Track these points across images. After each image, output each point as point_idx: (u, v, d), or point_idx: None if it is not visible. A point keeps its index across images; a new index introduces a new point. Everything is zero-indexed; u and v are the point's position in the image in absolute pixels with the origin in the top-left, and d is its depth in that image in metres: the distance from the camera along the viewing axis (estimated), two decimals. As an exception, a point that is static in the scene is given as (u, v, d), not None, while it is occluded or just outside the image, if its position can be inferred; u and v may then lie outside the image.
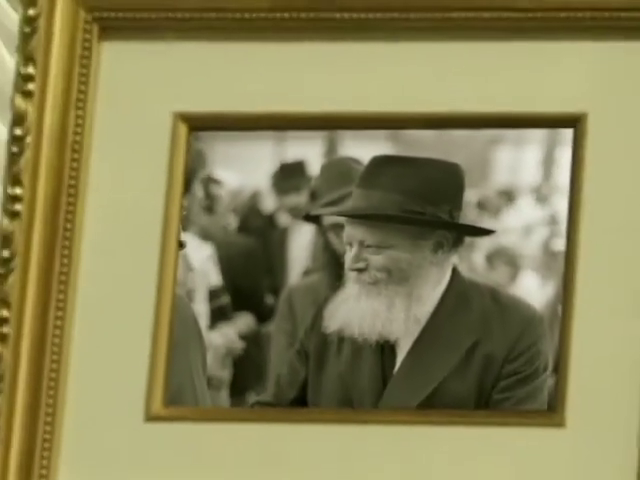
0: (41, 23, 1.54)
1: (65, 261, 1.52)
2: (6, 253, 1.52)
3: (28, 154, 1.51)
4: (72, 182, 1.53)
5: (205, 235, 1.46)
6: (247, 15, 1.54)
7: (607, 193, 1.51)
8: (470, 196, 1.46)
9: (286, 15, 1.55)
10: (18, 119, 1.52)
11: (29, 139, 1.53)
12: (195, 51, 1.54)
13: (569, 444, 1.44)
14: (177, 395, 1.50)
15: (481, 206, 1.49)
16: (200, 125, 1.51)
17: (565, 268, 1.47)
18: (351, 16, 1.56)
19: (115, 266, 1.56)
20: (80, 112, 1.53)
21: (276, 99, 1.52)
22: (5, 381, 1.52)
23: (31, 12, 1.56)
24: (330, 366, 1.51)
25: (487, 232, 1.54)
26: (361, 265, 1.48)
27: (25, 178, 1.53)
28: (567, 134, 1.46)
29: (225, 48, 1.55)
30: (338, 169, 1.50)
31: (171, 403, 1.47)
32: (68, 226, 1.53)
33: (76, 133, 1.51)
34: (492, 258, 1.51)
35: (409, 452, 1.48)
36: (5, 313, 1.50)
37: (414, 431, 1.46)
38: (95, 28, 1.51)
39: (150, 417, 1.47)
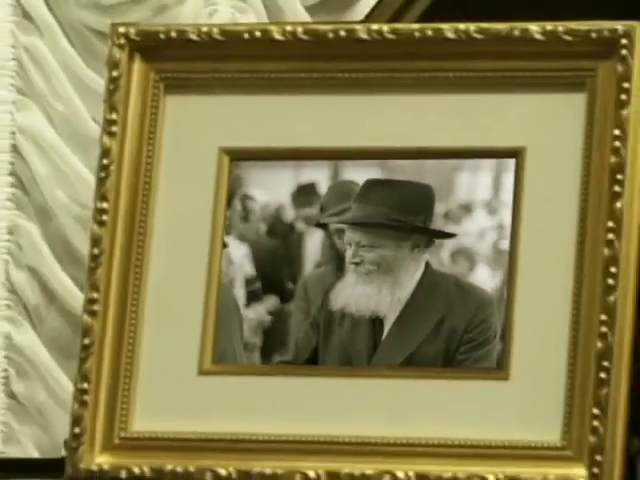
0: (122, 82, 1.66)
1: (139, 257, 1.64)
2: (96, 251, 1.64)
3: (112, 178, 1.64)
4: (144, 199, 1.65)
5: (242, 238, 1.57)
6: (273, 75, 1.63)
7: (540, 207, 1.59)
8: (438, 209, 1.55)
9: (302, 75, 1.64)
10: (105, 152, 1.64)
11: (113, 167, 1.65)
12: (234, 102, 1.64)
13: (512, 393, 1.54)
14: (222, 356, 1.61)
15: (446, 216, 1.56)
16: (239, 156, 1.61)
17: (509, 262, 1.58)
18: (350, 75, 1.62)
19: (176, 261, 1.66)
20: (150, 147, 1.65)
21: (295, 137, 1.62)
22: (94, 347, 1.63)
23: (114, 73, 1.67)
24: (335, 335, 1.58)
25: (451, 235, 1.55)
26: (357, 260, 1.58)
27: (110, 196, 1.65)
28: (510, 163, 1.57)
29: (257, 99, 1.64)
30: (340, 189, 1.58)
31: (217, 362, 1.58)
32: (141, 231, 1.65)
33: (147, 162, 1.65)
34: (455, 255, 1.57)
35: (393, 399, 1.58)
36: (95, 295, 1.62)
37: (397, 383, 1.57)
38: (161, 85, 1.62)
39: (202, 372, 1.59)
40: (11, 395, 3.08)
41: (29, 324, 3.11)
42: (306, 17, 3.24)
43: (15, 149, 3.12)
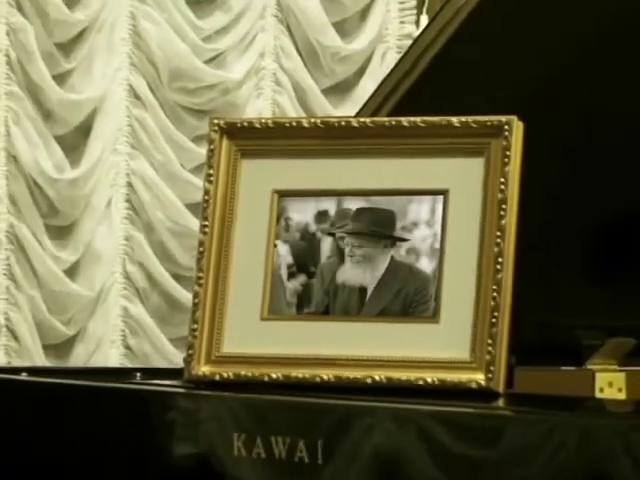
0: (215, 151, 1.82)
1: (226, 253, 1.82)
2: (201, 249, 1.79)
3: (210, 207, 1.78)
4: (229, 219, 1.82)
5: (285, 242, 1.79)
6: (302, 147, 1.82)
7: (458, 224, 1.72)
8: (398, 225, 1.74)
9: (318, 147, 1.83)
10: (206, 192, 1.77)
11: (210, 201, 1.78)
12: (282, 163, 1.82)
13: (440, 331, 1.69)
14: (274, 309, 1.77)
15: (403, 229, 1.74)
16: (283, 194, 1.78)
17: (439, 256, 1.72)
18: (347, 147, 1.83)
19: (248, 255, 1.81)
20: (232, 189, 1.85)
21: (316, 183, 1.80)
22: (200, 304, 1.77)
23: (211, 146, 1.82)
24: (339, 297, 1.75)
25: (406, 240, 1.70)
26: (352, 254, 1.76)
27: (209, 217, 1.79)
28: (440, 198, 1.74)
29: (294, 161, 1.81)
30: (342, 213, 1.78)
31: (271, 313, 1.76)
32: (227, 238, 1.84)
33: (231, 198, 1.82)
34: (408, 251, 1.73)
35: (372, 333, 1.73)
36: (201, 274, 1.79)
37: (374, 325, 1.73)
38: (239, 153, 1.81)
39: (262, 319, 1.77)
40: (127, 347, 3.33)
41: (139, 301, 3.34)
42: (322, 98, 3.46)
43: (129, 185, 3.36)
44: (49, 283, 3.07)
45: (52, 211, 3.10)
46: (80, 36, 3.12)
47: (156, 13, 3.16)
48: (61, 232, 3.14)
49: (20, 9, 2.97)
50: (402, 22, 3.33)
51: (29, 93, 3.05)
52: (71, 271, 3.14)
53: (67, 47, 3.13)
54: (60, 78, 3.12)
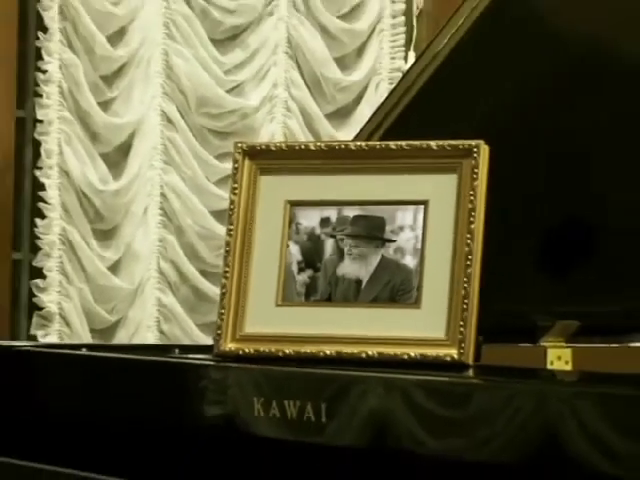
0: (239, 169, 1.82)
1: (248, 251, 1.80)
2: (227, 248, 1.78)
3: (234, 214, 1.77)
4: (250, 222, 1.81)
5: (295, 242, 1.76)
6: (310, 165, 1.81)
7: (436, 227, 1.72)
8: (387, 229, 1.73)
9: (323, 165, 1.82)
10: (231, 202, 1.78)
11: (235, 209, 1.78)
12: (293, 178, 1.81)
13: (421, 315, 1.68)
14: (286, 297, 1.76)
15: (391, 232, 1.73)
16: (294, 204, 1.77)
17: (420, 254, 1.72)
18: (346, 165, 1.81)
19: (265, 253, 1.79)
20: (252, 199, 1.85)
21: (321, 194, 1.80)
22: (227, 293, 1.77)
23: (235, 165, 1.83)
24: (339, 287, 1.74)
25: (394, 241, 1.69)
26: (350, 253, 1.75)
27: (234, 222, 1.77)
28: (422, 207, 1.74)
29: (304, 177, 1.81)
30: (342, 219, 1.77)
31: (284, 300, 1.75)
32: (248, 239, 1.83)
33: (251, 209, 1.82)
34: (395, 250, 1.73)
35: (366, 316, 1.72)
36: (227, 269, 1.77)
37: (368, 310, 1.71)
38: (258, 170, 1.81)
39: (277, 305, 1.76)
40: (161, 332, 3.26)
41: (171, 292, 3.31)
42: (325, 122, 3.43)
43: (163, 195, 3.32)
44: (95, 278, 3.10)
45: (98, 217, 3.13)
46: (121, 70, 3.14)
47: (185, 50, 3.18)
48: (105, 235, 3.16)
49: (71, 47, 3.02)
50: (393, 58, 3.32)
51: (78, 118, 3.06)
52: (114, 268, 3.15)
53: (110, 79, 3.15)
54: (104, 105, 3.13)
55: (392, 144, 1.78)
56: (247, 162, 1.82)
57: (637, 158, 2.02)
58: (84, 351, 2.05)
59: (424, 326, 1.68)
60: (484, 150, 1.70)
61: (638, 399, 1.33)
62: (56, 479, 1.75)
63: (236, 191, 1.81)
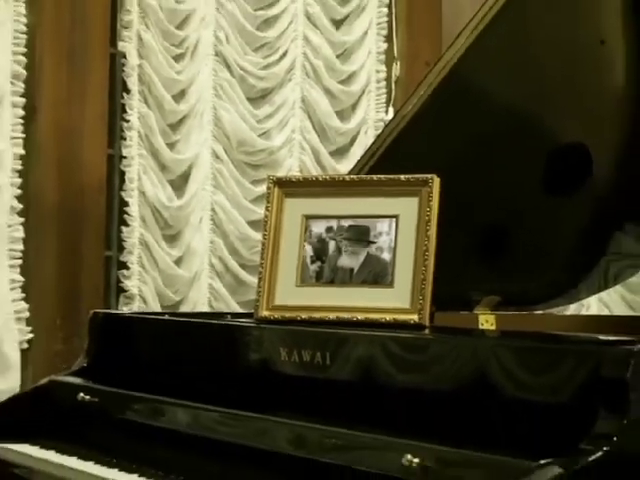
0: (271, 194, 1.79)
1: (276, 249, 1.77)
2: (262, 247, 1.76)
3: (268, 223, 1.73)
4: (278, 229, 1.79)
5: (309, 243, 1.73)
6: (320, 190, 1.78)
7: (404, 233, 1.68)
8: (371, 234, 1.72)
9: (324, 190, 1.77)
10: (265, 216, 1.72)
11: (268, 222, 1.73)
12: (306, 200, 1.78)
13: (394, 293, 1.67)
14: (303, 280, 1.74)
15: (374, 236, 1.71)
16: (308, 217, 1.75)
17: (393, 250, 1.68)
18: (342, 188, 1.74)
19: (288, 249, 1.75)
20: (279, 214, 1.81)
21: (327, 211, 1.76)
22: (263, 278, 1.74)
23: (268, 191, 1.77)
24: (338, 274, 1.73)
25: (375, 242, 1.69)
26: (346, 250, 1.74)
27: (268, 230, 1.74)
28: (394, 220, 1.71)
29: (315, 199, 1.77)
30: (341, 228, 1.74)
31: (301, 282, 1.75)
32: (275, 239, 1.79)
33: (279, 223, 1.79)
34: (377, 249, 1.70)
35: (357, 293, 1.70)
36: (262, 261, 1.75)
37: (359, 289, 1.70)
38: (282, 194, 1.79)
39: (297, 286, 1.75)
40: (211, 308, 3.19)
41: (219, 280, 3.24)
42: (330, 158, 3.40)
43: (213, 210, 3.26)
44: (164, 269, 3.05)
45: (166, 225, 3.06)
46: (182, 120, 3.09)
47: (229, 106, 3.15)
48: (171, 238, 3.10)
49: (146, 103, 3.03)
50: (377, 112, 3.32)
51: (152, 154, 3.04)
52: (177, 261, 3.09)
53: (175, 126, 3.09)
54: (171, 145, 3.08)
55: (374, 177, 1.80)
56: (276, 189, 1.82)
57: (535, 183, 2.04)
58: (166, 317, 2.11)
59: (395, 300, 1.69)
60: (436, 181, 1.72)
61: (538, 349, 1.36)
62: (148, 401, 1.76)
63: (269, 208, 1.81)
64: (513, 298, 2.06)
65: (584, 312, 2.99)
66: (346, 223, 1.75)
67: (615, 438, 1.14)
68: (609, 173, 1.97)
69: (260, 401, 1.61)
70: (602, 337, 1.57)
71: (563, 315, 2.42)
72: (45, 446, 1.79)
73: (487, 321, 2.00)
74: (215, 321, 1.92)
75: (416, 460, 1.26)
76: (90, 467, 1.69)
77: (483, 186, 1.93)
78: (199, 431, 1.60)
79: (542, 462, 1.14)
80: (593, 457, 1.13)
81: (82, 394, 1.80)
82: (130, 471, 1.63)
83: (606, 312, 3.12)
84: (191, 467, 1.61)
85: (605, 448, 1.14)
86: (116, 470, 1.65)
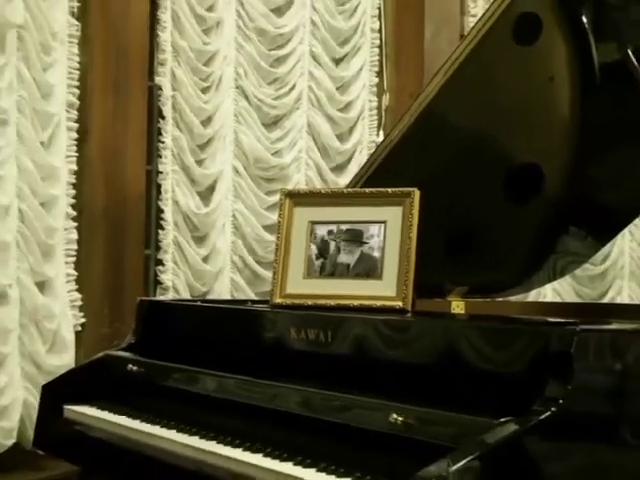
0: (283, 204, 1.75)
1: (287, 249, 1.77)
2: (275, 246, 1.72)
3: (281, 229, 1.68)
4: (289, 234, 1.78)
5: (314, 244, 1.69)
6: (326, 200, 1.76)
7: (392, 236, 1.68)
8: (365, 236, 1.72)
9: (328, 200, 1.76)
10: (278, 222, 1.70)
11: (281, 227, 1.71)
12: (313, 209, 1.75)
13: (383, 284, 1.67)
14: (308, 273, 1.73)
15: (366, 238, 1.72)
16: (314, 222, 1.75)
17: (382, 249, 1.71)
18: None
19: (297, 246, 1.74)
20: (290, 221, 1.80)
21: (329, 218, 1.75)
22: (278, 270, 1.75)
23: (280, 202, 1.76)
24: (337, 269, 1.74)
25: (367, 242, 1.70)
26: (344, 249, 1.75)
27: (281, 232, 1.70)
28: (383, 225, 1.71)
29: (320, 208, 1.72)
30: (340, 231, 1.75)
31: (307, 275, 1.73)
32: (287, 240, 1.77)
33: (289, 225, 1.77)
34: (369, 248, 1.71)
35: (354, 284, 1.69)
36: (276, 257, 1.74)
37: (354, 281, 1.70)
38: (292, 204, 1.79)
39: (304, 277, 1.75)
40: (233, 297, 3.11)
41: (239, 274, 3.21)
42: (330, 173, 3.37)
43: (234, 216, 3.22)
44: (193, 265, 3.00)
45: (195, 229, 3.01)
46: (208, 142, 3.06)
47: (247, 130, 3.13)
48: (200, 240, 3.05)
49: (178, 127, 3.01)
50: (370, 135, 3.32)
51: (183, 170, 3.01)
52: (204, 259, 3.04)
53: (202, 147, 3.06)
54: (199, 162, 3.05)
55: (367, 190, 1.84)
56: (287, 199, 1.84)
57: (496, 194, 2.04)
58: (198, 303, 2.12)
59: (384, 289, 1.71)
60: (417, 193, 1.74)
61: (500, 329, 1.39)
62: (184, 371, 1.77)
63: (281, 215, 1.83)
64: (479, 288, 2.10)
65: (541, 299, 3.03)
66: (344, 227, 1.78)
67: (561, 401, 1.18)
68: (557, 186, 2.00)
69: (274, 371, 1.62)
70: (552, 319, 1.63)
71: (522, 301, 2.46)
72: (101, 407, 1.84)
73: (458, 306, 2.05)
74: (238, 307, 1.98)
75: (400, 418, 1.30)
76: (137, 424, 1.73)
77: (455, 197, 1.96)
78: (224, 395, 1.63)
79: (502, 420, 1.18)
80: (543, 416, 1.17)
81: (130, 365, 1.84)
82: (169, 427, 1.67)
83: (558, 299, 3.16)
84: (218, 424, 1.63)
85: (553, 409, 1.17)
86: (158, 427, 1.68)
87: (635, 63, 1.73)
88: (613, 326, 1.36)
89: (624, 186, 1.93)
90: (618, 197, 1.95)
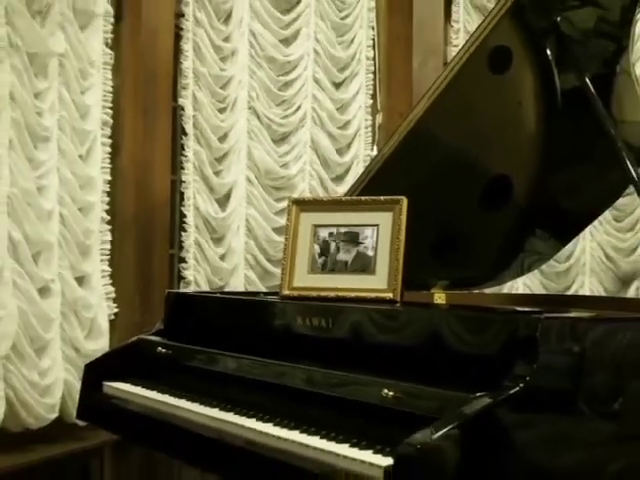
0: (290, 209, 1.73)
1: (294, 248, 1.74)
2: (283, 246, 1.70)
3: (289, 231, 1.66)
4: (295, 236, 1.75)
5: (318, 245, 1.74)
6: (330, 207, 1.72)
7: (383, 237, 1.68)
8: (360, 237, 1.71)
9: (333, 205, 1.73)
10: (287, 225, 1.70)
11: (289, 230, 1.70)
12: (316, 214, 1.72)
13: (375, 279, 1.67)
14: (311, 269, 1.71)
15: (362, 239, 1.70)
16: (317, 225, 1.73)
17: (374, 249, 1.69)
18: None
19: (303, 245, 1.73)
20: (296, 225, 1.77)
21: (331, 223, 1.73)
22: (286, 265, 1.71)
23: (288, 208, 1.75)
24: (337, 265, 1.73)
25: (363, 243, 1.66)
26: (343, 249, 1.74)
27: (289, 234, 1.68)
28: (376, 228, 1.69)
29: (323, 213, 1.72)
30: (339, 233, 1.74)
31: (310, 271, 1.72)
32: (293, 242, 1.76)
33: (296, 229, 1.75)
34: (364, 248, 1.70)
35: (351, 278, 1.68)
36: (284, 255, 1.74)
37: (351, 276, 1.62)
38: (299, 210, 1.76)
39: (308, 273, 1.73)
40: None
41: (252, 270, 3.19)
42: (331, 183, 3.35)
43: (247, 220, 3.18)
44: (211, 262, 2.96)
45: (213, 231, 2.98)
46: (225, 155, 3.04)
47: (258, 145, 3.10)
48: (217, 240, 3.02)
49: (199, 143, 2.96)
50: (365, 149, 3.28)
51: (203, 180, 2.98)
52: (221, 257, 3.01)
53: (219, 159, 3.04)
54: (217, 173, 3.03)
55: (362, 198, 1.82)
56: (294, 206, 1.84)
57: (473, 201, 2.03)
58: (218, 295, 2.11)
59: (377, 283, 1.72)
60: (405, 201, 1.75)
61: (476, 317, 1.39)
62: (206, 353, 1.78)
63: (289, 219, 1.84)
64: (458, 282, 2.11)
65: (514, 292, 3.04)
66: (342, 230, 1.78)
67: (528, 378, 1.20)
68: (524, 195, 2.01)
69: (282, 353, 1.63)
70: (521, 309, 1.65)
71: (496, 293, 2.43)
72: (135, 384, 1.86)
73: (440, 298, 2.04)
74: (251, 298, 1.96)
75: (391, 393, 1.32)
76: (166, 398, 1.74)
77: (438, 204, 1.95)
78: (240, 373, 1.65)
79: (478, 394, 1.20)
80: (512, 391, 1.19)
81: (160, 348, 1.86)
82: (193, 400, 1.68)
83: (528, 292, 3.17)
84: (235, 398, 1.64)
85: (521, 385, 1.19)
86: (184, 400, 1.69)
87: (592, 90, 1.75)
88: (573, 314, 1.37)
89: (582, 194, 1.96)
90: (577, 204, 1.98)
